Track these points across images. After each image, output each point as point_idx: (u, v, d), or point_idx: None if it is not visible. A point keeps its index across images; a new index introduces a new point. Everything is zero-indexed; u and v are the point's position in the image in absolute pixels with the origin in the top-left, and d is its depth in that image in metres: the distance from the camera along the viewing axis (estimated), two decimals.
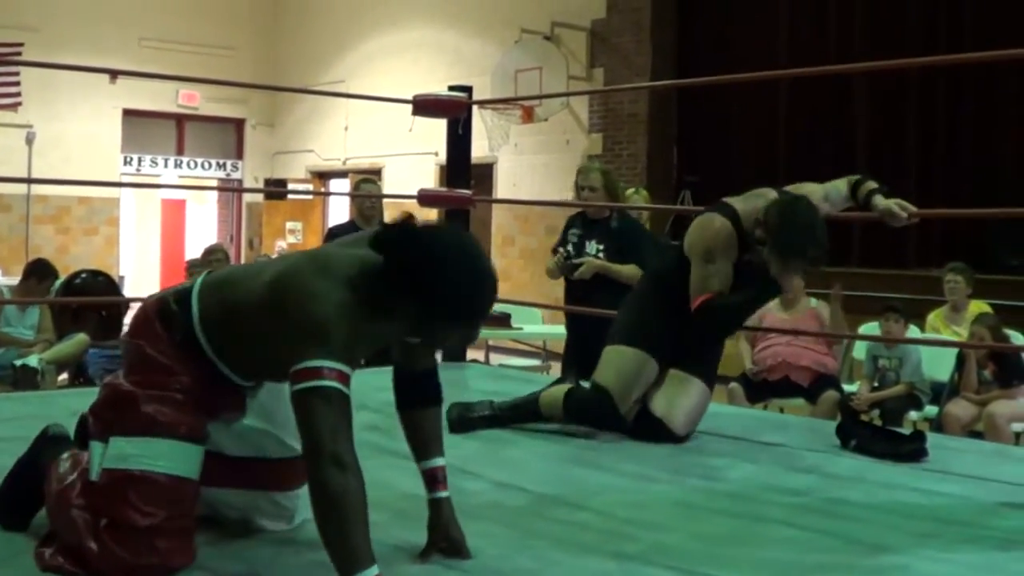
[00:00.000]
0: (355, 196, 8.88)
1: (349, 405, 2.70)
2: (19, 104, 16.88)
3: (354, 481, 2.61)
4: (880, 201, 4.49)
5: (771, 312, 8.31)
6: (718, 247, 4.35)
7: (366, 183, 8.99)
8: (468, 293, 2.73)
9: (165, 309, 2.99)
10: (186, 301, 2.98)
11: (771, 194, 4.48)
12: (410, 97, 6.50)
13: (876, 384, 8.20)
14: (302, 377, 2.66)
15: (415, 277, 2.68)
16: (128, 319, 3.24)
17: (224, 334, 2.95)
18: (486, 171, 15.10)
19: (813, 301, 8.31)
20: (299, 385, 2.66)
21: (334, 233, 9.08)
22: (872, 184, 4.62)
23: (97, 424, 2.97)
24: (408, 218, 2.77)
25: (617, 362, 4.59)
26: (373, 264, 2.74)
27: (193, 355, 2.96)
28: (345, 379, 2.69)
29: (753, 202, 4.43)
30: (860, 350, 8.77)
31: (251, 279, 2.93)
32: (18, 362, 7.96)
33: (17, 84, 16.86)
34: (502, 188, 15.41)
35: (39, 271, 8.83)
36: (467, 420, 4.61)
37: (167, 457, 2.90)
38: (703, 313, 4.34)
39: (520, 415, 4.67)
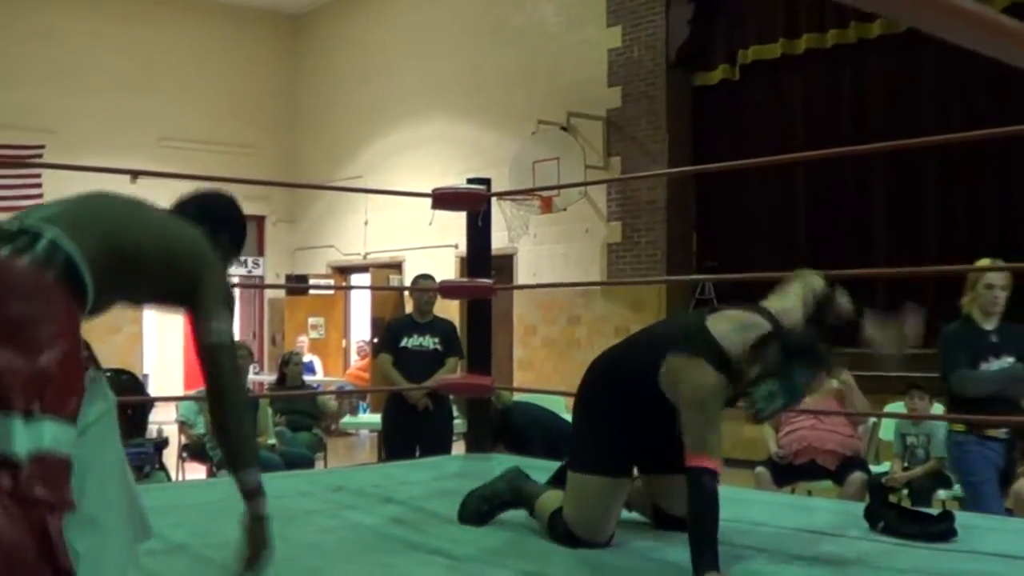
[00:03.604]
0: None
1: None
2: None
3: (244, 401, 3.36)
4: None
5: None
6: (711, 399, 3.76)
7: (423, 279, 9.22)
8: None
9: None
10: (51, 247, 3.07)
11: (762, 324, 3.92)
12: (429, 191, 6.55)
13: (906, 463, 8.18)
14: (214, 334, 3.28)
15: (227, 216, 3.68)
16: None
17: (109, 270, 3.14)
18: (506, 262, 15.15)
19: (835, 382, 8.30)
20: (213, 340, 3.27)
21: (392, 327, 9.28)
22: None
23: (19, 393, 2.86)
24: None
25: (579, 493, 4.05)
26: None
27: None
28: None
29: (743, 335, 3.84)
30: (887, 431, 8.74)
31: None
32: None
33: (39, 186, 17.01)
34: (522, 278, 15.45)
35: None
36: (484, 513, 4.44)
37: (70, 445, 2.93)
38: (700, 484, 3.65)
39: (522, 503, 4.54)
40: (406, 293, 14.24)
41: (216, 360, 3.26)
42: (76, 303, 3.05)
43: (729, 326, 3.88)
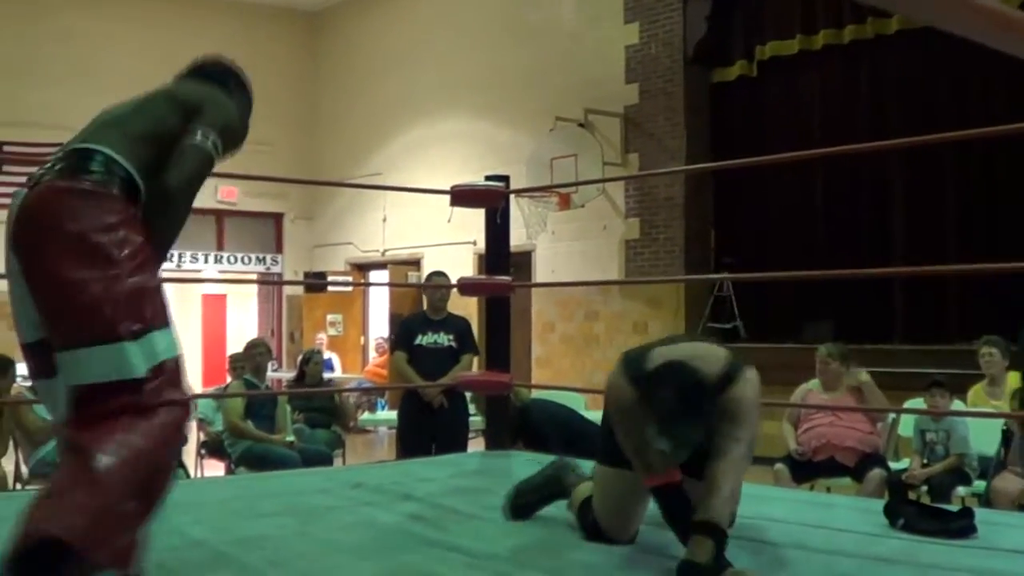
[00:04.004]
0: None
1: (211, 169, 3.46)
2: None
3: (187, 207, 3.34)
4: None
5: (813, 393, 8.32)
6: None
7: (437, 276, 9.26)
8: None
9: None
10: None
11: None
12: (447, 188, 6.55)
13: (925, 460, 8.16)
14: (202, 135, 3.37)
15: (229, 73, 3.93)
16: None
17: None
18: (524, 259, 15.16)
19: (853, 379, 8.29)
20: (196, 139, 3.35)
21: (406, 324, 9.31)
22: None
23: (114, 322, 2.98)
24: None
25: (605, 486, 4.00)
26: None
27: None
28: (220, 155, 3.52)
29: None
30: (906, 427, 8.72)
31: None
32: None
33: None
34: (540, 275, 15.45)
35: None
36: (528, 505, 4.36)
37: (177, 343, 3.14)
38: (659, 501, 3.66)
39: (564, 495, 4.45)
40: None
41: (185, 158, 3.32)
42: (137, 207, 3.19)
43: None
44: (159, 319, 3.03)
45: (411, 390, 8.99)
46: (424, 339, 8.98)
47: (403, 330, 9.38)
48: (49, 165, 3.21)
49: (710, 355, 3.74)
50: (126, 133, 3.27)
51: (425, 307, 9.33)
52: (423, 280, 9.32)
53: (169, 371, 2.99)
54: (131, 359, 2.91)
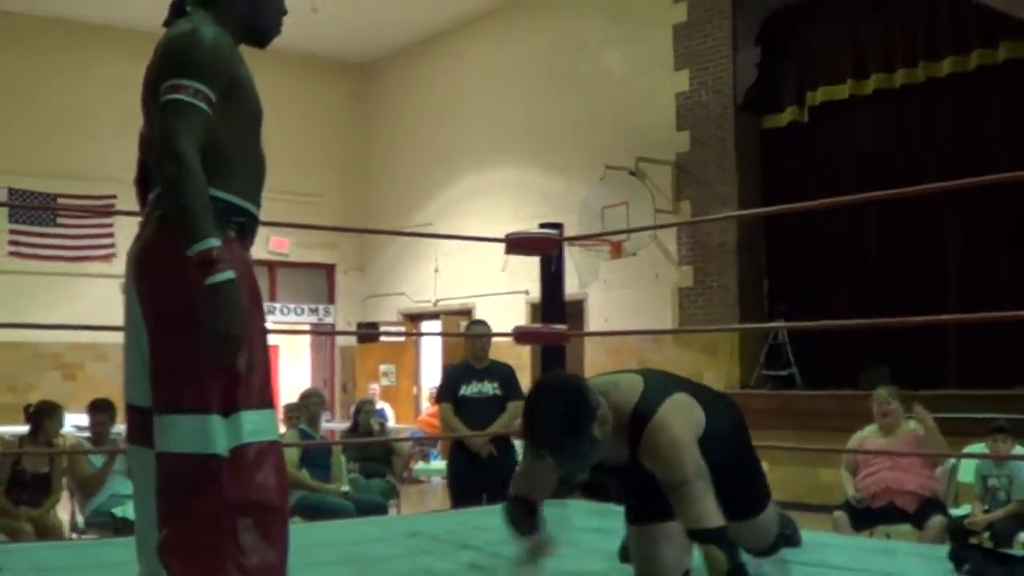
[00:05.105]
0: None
1: (202, 117, 2.95)
2: (113, 255, 17.13)
3: (187, 168, 2.84)
4: None
5: (870, 439, 8.25)
6: None
7: (476, 325, 9.27)
8: None
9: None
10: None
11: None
12: (498, 237, 6.55)
13: (987, 506, 8.06)
14: (166, 91, 2.93)
15: None
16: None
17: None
18: (576, 308, 15.13)
19: (912, 424, 8.21)
20: (163, 98, 2.93)
21: (451, 373, 9.30)
22: None
23: (207, 393, 2.86)
24: None
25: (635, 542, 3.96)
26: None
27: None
28: (206, 98, 2.95)
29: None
30: (966, 473, 8.62)
31: None
32: (118, 511, 8.05)
33: (111, 235, 17.25)
34: (593, 324, 15.42)
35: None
36: None
37: (274, 428, 3.01)
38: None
39: None
40: None
41: (161, 120, 2.93)
42: (248, 238, 3.10)
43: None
44: (254, 398, 2.93)
45: (458, 441, 8.95)
46: (468, 389, 8.95)
47: (447, 381, 9.37)
48: (147, 212, 3.15)
49: (626, 386, 3.77)
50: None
51: (468, 356, 9.31)
52: (465, 329, 9.29)
53: (254, 456, 2.87)
54: (213, 434, 2.82)
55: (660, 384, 3.82)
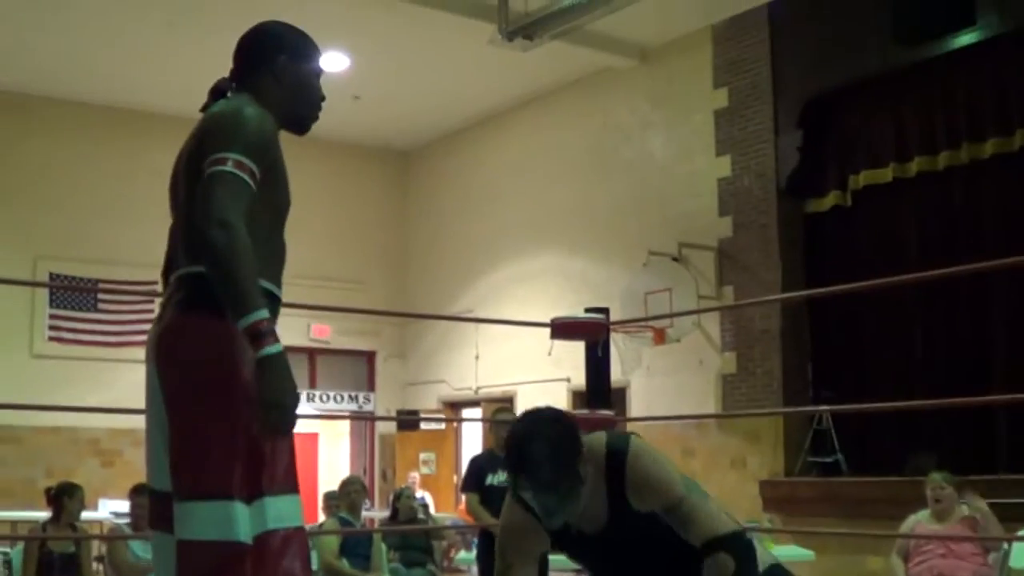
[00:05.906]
0: (488, 422, 8.96)
1: (248, 191, 2.95)
2: None
3: (238, 238, 2.78)
4: None
5: (922, 524, 8.11)
6: None
7: (503, 412, 9.20)
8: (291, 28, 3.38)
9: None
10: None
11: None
12: (543, 322, 6.49)
13: None
14: (212, 164, 2.91)
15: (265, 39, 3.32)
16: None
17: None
18: (618, 395, 14.97)
19: (965, 509, 8.08)
20: (208, 170, 2.90)
21: (476, 462, 9.19)
22: None
23: (236, 480, 2.80)
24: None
25: None
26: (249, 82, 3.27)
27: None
28: (251, 173, 2.95)
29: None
30: (1018, 559, 8.45)
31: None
32: None
33: (151, 321, 17.26)
34: (635, 411, 15.28)
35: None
36: None
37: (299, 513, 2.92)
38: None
39: None
40: None
41: (207, 190, 2.89)
42: (273, 314, 3.00)
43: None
44: (279, 483, 2.87)
45: (485, 531, 8.80)
46: (494, 478, 8.84)
47: (472, 470, 9.28)
48: (168, 293, 3.12)
49: (589, 434, 3.82)
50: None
51: (493, 445, 9.19)
52: (491, 417, 9.19)
53: (279, 544, 2.81)
54: (236, 521, 2.75)
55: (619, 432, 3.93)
